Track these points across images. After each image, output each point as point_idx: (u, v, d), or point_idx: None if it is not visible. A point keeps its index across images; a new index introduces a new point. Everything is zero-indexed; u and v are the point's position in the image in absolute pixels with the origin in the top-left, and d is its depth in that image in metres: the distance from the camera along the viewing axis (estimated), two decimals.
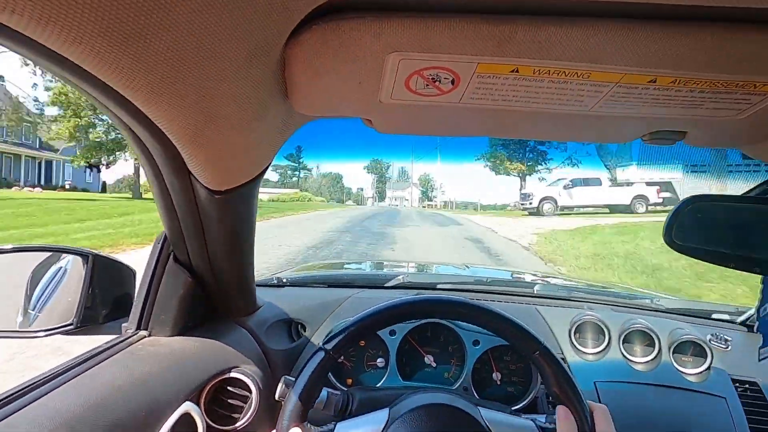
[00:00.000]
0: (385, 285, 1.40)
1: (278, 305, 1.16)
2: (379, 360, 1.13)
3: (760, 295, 0.73)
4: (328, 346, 0.77)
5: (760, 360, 0.73)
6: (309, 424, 0.75)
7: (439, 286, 1.41)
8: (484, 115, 0.53)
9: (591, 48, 0.40)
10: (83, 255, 0.87)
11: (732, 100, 0.47)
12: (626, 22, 0.38)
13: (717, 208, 0.76)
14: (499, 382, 1.12)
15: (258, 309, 1.08)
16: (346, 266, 2.25)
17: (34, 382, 0.62)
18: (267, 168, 0.69)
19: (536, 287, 1.43)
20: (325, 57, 0.42)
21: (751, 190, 0.77)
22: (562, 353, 1.12)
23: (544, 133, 0.60)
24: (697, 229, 0.75)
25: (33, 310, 0.97)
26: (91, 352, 0.75)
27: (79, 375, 0.67)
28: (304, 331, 1.16)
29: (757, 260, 0.72)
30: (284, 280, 1.36)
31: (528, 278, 1.82)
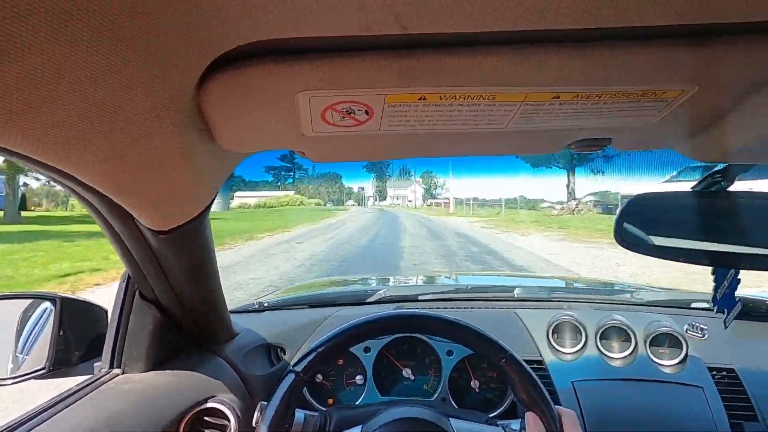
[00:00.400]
0: (367, 301, 1.41)
1: (257, 331, 1.17)
2: (357, 377, 1.14)
3: (714, 284, 0.75)
4: (297, 368, 0.78)
5: (726, 327, 0.76)
6: None
7: (420, 298, 1.42)
8: (406, 140, 0.55)
9: (490, 73, 0.41)
10: (50, 299, 0.88)
11: (639, 107, 0.49)
12: (521, 47, 0.40)
13: (662, 204, 0.78)
14: (477, 390, 1.13)
15: (235, 336, 1.09)
16: (331, 284, 2.26)
17: (4, 428, 0.63)
18: (211, 203, 0.71)
19: (516, 291, 1.44)
20: (237, 101, 0.44)
21: (697, 184, 0.79)
22: (540, 355, 1.13)
23: (470, 150, 0.62)
24: (644, 226, 0.76)
25: (21, 354, 0.98)
26: (62, 395, 0.75)
27: (48, 419, 0.68)
28: (284, 354, 1.17)
29: (704, 253, 0.73)
30: (264, 305, 1.37)
31: (509, 282, 1.83)
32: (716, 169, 0.76)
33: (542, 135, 0.55)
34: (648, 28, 0.37)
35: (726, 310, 0.82)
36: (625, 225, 0.76)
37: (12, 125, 0.33)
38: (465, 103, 0.46)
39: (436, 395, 1.11)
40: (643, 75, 0.43)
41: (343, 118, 0.47)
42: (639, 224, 0.76)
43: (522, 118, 0.49)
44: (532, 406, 0.78)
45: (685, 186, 0.79)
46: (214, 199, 0.71)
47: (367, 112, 0.47)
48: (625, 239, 0.75)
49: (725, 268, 0.76)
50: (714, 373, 1.07)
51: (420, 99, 0.45)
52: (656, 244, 0.76)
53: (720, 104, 0.49)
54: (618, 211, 0.77)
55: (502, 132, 0.53)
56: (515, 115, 0.48)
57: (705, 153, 0.63)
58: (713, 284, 0.79)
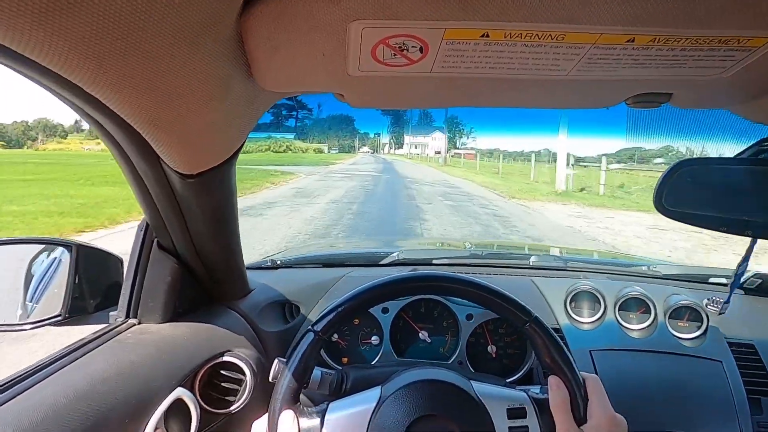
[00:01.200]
0: (381, 263, 1.39)
1: (272, 287, 1.16)
2: (373, 338, 1.13)
3: (745, 254, 0.72)
4: (317, 328, 0.77)
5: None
6: (301, 405, 0.75)
7: (434, 262, 1.41)
8: (458, 85, 0.51)
9: (564, 7, 0.37)
10: (66, 245, 0.86)
11: (716, 57, 0.45)
12: None
13: (708, 171, 0.74)
14: (494, 355, 1.12)
15: (250, 292, 1.08)
16: (343, 245, 2.25)
17: (18, 376, 0.62)
18: (240, 148, 0.68)
19: (532, 259, 1.42)
20: (283, 29, 0.40)
21: (743, 151, 0.75)
22: (557, 323, 1.11)
23: (522, 100, 0.58)
24: (688, 194, 0.73)
25: (30, 302, 0.96)
26: (78, 343, 0.74)
27: (65, 366, 0.67)
28: (299, 312, 1.16)
29: (748, 223, 0.70)
30: (278, 262, 1.36)
31: (525, 250, 1.81)
32: (764, 137, 0.72)
33: (603, 86, 0.51)
34: None
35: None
36: (666, 191, 0.73)
37: (40, 30, 0.30)
38: (530, 42, 0.42)
39: (453, 359, 1.10)
40: (729, 17, 0.39)
41: (395, 55, 0.43)
42: (681, 191, 0.73)
43: (588, 63, 0.45)
44: (556, 370, 0.77)
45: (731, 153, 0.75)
46: (243, 144, 0.68)
47: (421, 50, 0.43)
48: (666, 206, 0.72)
49: None
50: (733, 348, 1.06)
51: (482, 36, 0.41)
52: (698, 212, 0.73)
53: None
54: (660, 177, 0.74)
55: (562, 80, 0.49)
56: (582, 59, 0.44)
57: (766, 115, 0.59)
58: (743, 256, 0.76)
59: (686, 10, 0.38)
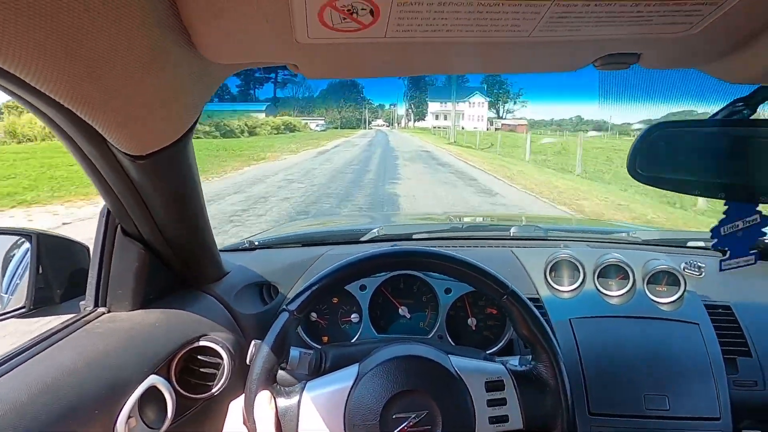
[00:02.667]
0: (361, 239, 1.38)
1: (249, 269, 1.14)
2: (353, 316, 1.12)
3: (724, 216, 0.71)
4: (291, 307, 0.76)
5: (721, 270, 0.73)
6: (279, 385, 0.74)
7: (414, 237, 1.39)
8: (415, 51, 0.48)
9: None
10: (26, 235, 0.83)
11: (682, 12, 0.42)
12: None
13: (682, 134, 0.73)
14: (474, 328, 1.12)
15: (226, 274, 1.06)
16: (324, 223, 2.23)
17: None
18: (194, 126, 0.64)
19: (512, 230, 1.41)
20: None
21: (717, 112, 0.74)
22: (537, 294, 1.11)
23: (484, 65, 0.55)
24: (661, 158, 0.72)
25: (6, 293, 0.94)
26: (45, 334, 0.72)
27: (30, 359, 0.65)
28: (277, 293, 1.14)
29: (722, 185, 0.69)
30: (256, 243, 1.33)
31: (505, 222, 1.81)
32: (739, 97, 0.71)
33: (567, 47, 0.49)
34: None
35: (729, 252, 0.79)
36: (640, 156, 0.72)
37: None
38: (487, 2, 0.39)
39: (433, 333, 1.10)
40: None
41: (344, 19, 0.41)
42: (654, 156, 0.72)
43: (549, 23, 0.43)
44: (534, 341, 0.77)
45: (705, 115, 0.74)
46: (197, 121, 0.64)
47: (372, 12, 0.40)
48: (639, 171, 0.71)
49: (742, 202, 0.72)
50: (710, 310, 1.07)
51: None
52: (671, 176, 0.72)
53: None
54: (633, 142, 0.72)
55: (524, 42, 0.46)
56: (542, 18, 0.42)
57: (737, 73, 0.57)
58: (722, 217, 0.75)
59: None
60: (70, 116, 0.49)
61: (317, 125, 54.59)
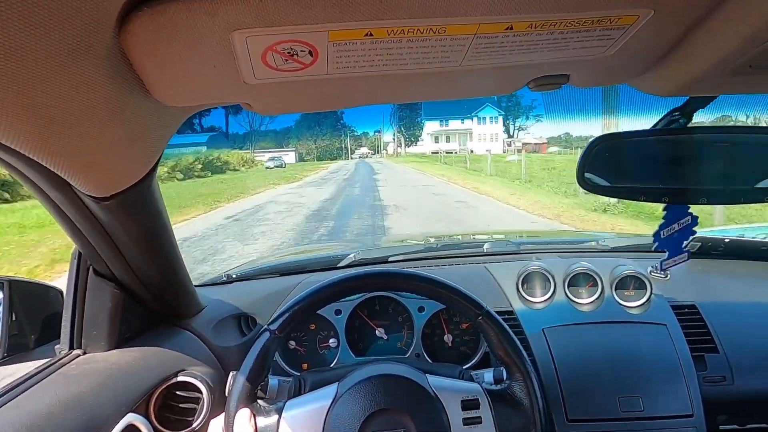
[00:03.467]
0: (338, 265, 1.40)
1: (226, 302, 1.15)
2: (331, 341, 1.13)
3: (663, 221, 0.76)
4: (273, 326, 0.77)
5: (662, 270, 0.79)
6: (258, 404, 0.75)
7: (391, 259, 1.42)
8: (357, 84, 0.52)
9: (438, 2, 0.39)
10: None
11: (594, 37, 0.47)
12: None
13: (624, 144, 0.78)
14: (450, 344, 1.14)
15: (203, 309, 1.07)
16: (302, 252, 2.23)
17: None
18: (156, 165, 0.67)
19: (486, 246, 1.45)
20: (167, 43, 0.40)
21: (657, 122, 0.79)
22: (511, 306, 1.14)
23: (424, 94, 0.59)
24: (607, 168, 0.76)
25: None
26: (19, 379, 0.72)
27: (5, 404, 0.65)
28: (255, 323, 1.15)
29: (664, 191, 0.74)
30: (233, 276, 1.34)
31: (479, 237, 1.85)
32: (674, 107, 0.76)
33: (499, 73, 0.53)
34: None
35: (668, 252, 0.84)
36: (587, 167, 0.76)
37: None
38: (415, 38, 0.43)
39: (410, 352, 1.11)
40: (598, 0, 0.41)
41: (287, 60, 0.44)
42: (600, 166, 0.76)
43: (476, 53, 0.47)
44: (509, 362, 0.79)
45: (646, 126, 0.79)
46: (158, 160, 0.67)
47: (311, 53, 0.44)
48: (586, 181, 0.75)
49: (684, 204, 0.77)
50: (677, 310, 1.11)
51: (366, 35, 0.42)
52: (618, 185, 0.77)
53: (676, 30, 0.48)
54: (580, 154, 0.77)
55: (457, 71, 0.50)
56: (468, 49, 0.46)
57: (664, 87, 0.62)
58: (662, 221, 0.80)
59: None
60: (32, 164, 0.51)
61: (272, 160, 39.58)
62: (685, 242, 0.81)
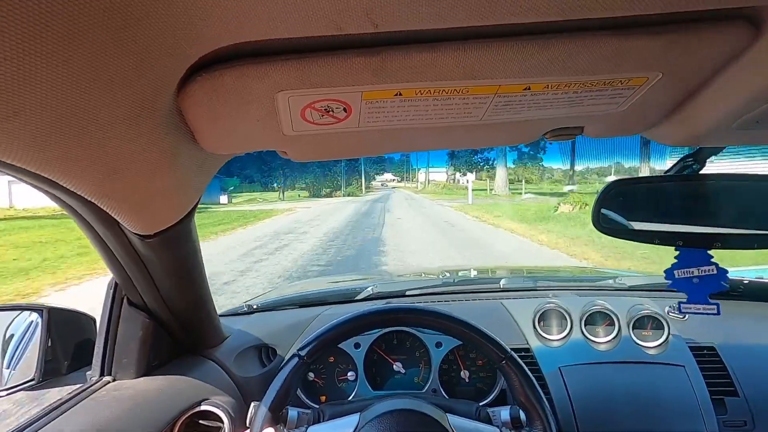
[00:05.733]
0: (356, 298, 1.42)
1: (247, 332, 1.18)
2: (349, 374, 1.15)
3: (676, 260, 0.78)
4: (302, 352, 0.80)
5: (680, 312, 0.79)
6: (282, 427, 0.77)
7: (408, 293, 1.44)
8: (385, 135, 0.56)
9: (462, 68, 0.43)
10: (37, 310, 0.88)
11: (606, 96, 0.51)
12: (490, 41, 0.41)
13: (638, 189, 0.80)
14: (467, 380, 1.14)
15: (225, 339, 1.10)
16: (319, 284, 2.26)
17: None
18: (196, 206, 0.72)
19: (502, 282, 1.46)
20: (219, 103, 0.45)
21: (669, 169, 0.81)
22: (527, 344, 1.15)
23: (447, 143, 0.63)
24: (621, 212, 0.79)
25: (8, 368, 0.97)
26: (52, 405, 0.75)
27: (41, 429, 0.68)
28: (275, 354, 1.17)
29: (679, 234, 0.76)
30: (254, 307, 1.38)
31: (495, 273, 1.86)
32: (688, 153, 0.79)
33: (517, 126, 0.57)
34: (611, 18, 0.39)
35: (688, 296, 0.83)
36: (603, 210, 0.78)
37: None
38: (440, 97, 0.47)
39: (427, 387, 1.12)
40: (609, 64, 0.45)
41: (323, 116, 0.49)
42: (616, 209, 0.79)
43: (496, 109, 0.51)
44: (530, 409, 0.81)
45: (660, 171, 0.82)
46: (198, 202, 0.72)
47: (345, 110, 0.48)
48: (603, 224, 0.77)
49: (699, 248, 0.79)
50: (695, 352, 1.10)
51: (396, 95, 0.46)
52: (633, 228, 0.79)
53: (684, 89, 0.52)
54: (596, 196, 0.79)
55: (478, 125, 0.54)
56: (489, 107, 0.50)
57: (673, 138, 0.65)
58: (674, 261, 0.81)
59: (570, 61, 0.44)
60: (87, 204, 0.56)
61: None
62: (712, 293, 0.80)
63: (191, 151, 0.54)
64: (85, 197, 0.51)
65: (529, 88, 0.47)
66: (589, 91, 0.49)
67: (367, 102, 0.47)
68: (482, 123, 0.54)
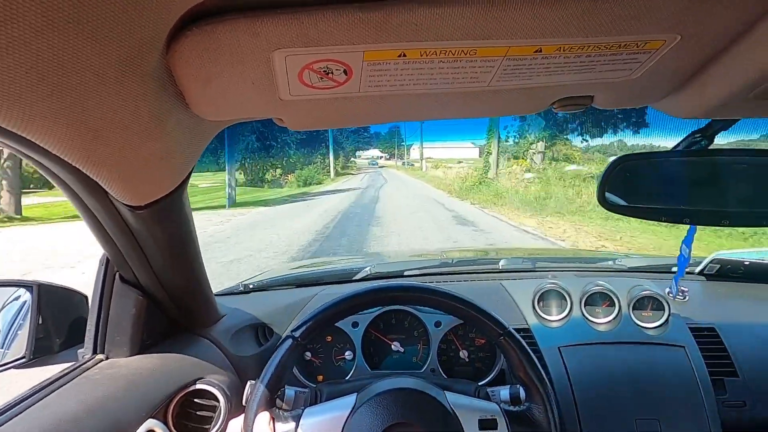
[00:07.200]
0: (353, 278, 1.41)
1: (244, 311, 1.16)
2: (347, 353, 1.14)
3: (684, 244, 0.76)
4: (296, 333, 0.79)
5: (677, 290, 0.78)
6: (277, 409, 0.76)
7: (406, 273, 1.42)
8: (387, 102, 0.54)
9: (470, 26, 0.40)
10: (26, 286, 0.86)
11: (620, 61, 0.48)
12: None
13: (645, 165, 0.78)
14: (466, 359, 1.14)
15: (221, 318, 1.08)
16: (317, 264, 2.25)
17: None
18: (188, 177, 0.69)
19: (501, 263, 1.45)
20: (210, 62, 0.42)
21: (677, 144, 0.79)
22: (527, 323, 1.14)
23: (451, 112, 0.61)
24: (627, 188, 0.77)
25: (2, 347, 0.95)
26: (44, 382, 0.74)
27: (29, 407, 0.67)
28: (272, 334, 1.16)
29: (686, 212, 0.74)
30: (250, 286, 1.36)
31: (494, 254, 1.85)
32: (696, 129, 0.76)
33: (525, 93, 0.54)
34: None
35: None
36: (608, 187, 0.76)
37: None
38: (446, 59, 0.44)
39: (425, 367, 1.11)
40: (625, 24, 0.42)
41: (321, 78, 0.46)
42: (621, 186, 0.77)
43: (504, 74, 0.48)
44: (529, 384, 0.79)
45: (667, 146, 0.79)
46: (191, 172, 0.69)
47: (345, 72, 0.45)
48: (608, 202, 0.75)
49: (707, 226, 0.77)
50: (695, 333, 1.10)
51: (400, 56, 0.43)
52: (638, 205, 0.77)
53: (701, 55, 0.49)
54: (601, 173, 0.77)
55: (484, 91, 0.52)
56: (497, 71, 0.47)
57: (686, 110, 0.63)
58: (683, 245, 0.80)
59: (585, 20, 0.41)
60: (74, 172, 0.53)
61: None
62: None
63: (181, 115, 0.51)
64: (72, 163, 0.48)
65: (540, 50, 0.45)
66: (603, 55, 0.47)
67: (369, 63, 0.44)
68: (489, 88, 0.51)
